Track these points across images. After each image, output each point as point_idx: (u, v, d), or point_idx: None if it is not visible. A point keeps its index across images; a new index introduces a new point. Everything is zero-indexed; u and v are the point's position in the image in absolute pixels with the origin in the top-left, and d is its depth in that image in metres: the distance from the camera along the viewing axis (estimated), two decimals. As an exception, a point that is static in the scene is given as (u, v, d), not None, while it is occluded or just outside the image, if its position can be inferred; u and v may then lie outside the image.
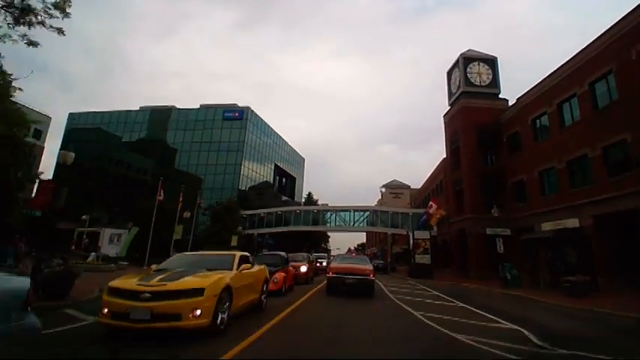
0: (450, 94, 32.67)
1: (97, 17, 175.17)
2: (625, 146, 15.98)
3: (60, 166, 9.10)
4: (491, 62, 30.49)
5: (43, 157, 34.07)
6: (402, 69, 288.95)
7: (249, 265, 7.42)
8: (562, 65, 20.41)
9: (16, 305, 3.08)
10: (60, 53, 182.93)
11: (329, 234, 70.27)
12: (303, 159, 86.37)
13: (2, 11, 8.03)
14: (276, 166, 69.46)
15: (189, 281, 5.49)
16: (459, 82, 30.35)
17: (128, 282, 5.49)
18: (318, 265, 24.80)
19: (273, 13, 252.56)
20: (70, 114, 65.48)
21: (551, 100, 21.13)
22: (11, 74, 10.44)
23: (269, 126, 68.09)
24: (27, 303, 3.20)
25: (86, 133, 60.39)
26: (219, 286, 5.65)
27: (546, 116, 21.78)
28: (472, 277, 25.00)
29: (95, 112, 65.70)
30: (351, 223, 47.32)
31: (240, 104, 61.70)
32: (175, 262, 7.22)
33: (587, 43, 18.39)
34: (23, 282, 3.40)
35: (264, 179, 63.90)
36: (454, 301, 12.38)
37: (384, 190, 73.75)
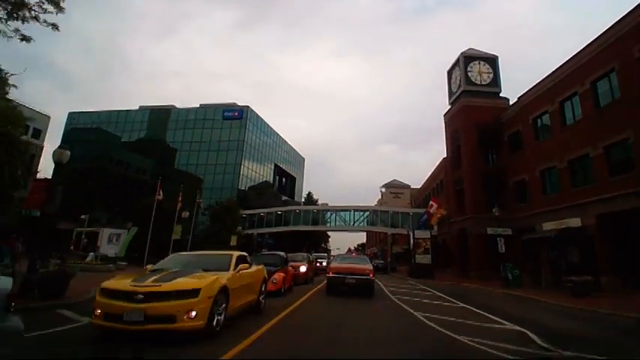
0: (451, 93, 32.54)
1: (97, 17, 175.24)
2: (627, 145, 15.85)
3: (58, 166, 8.99)
4: (492, 61, 30.36)
5: (42, 156, 33.84)
6: (402, 69, 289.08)
7: (246, 265, 7.28)
8: (563, 64, 20.26)
9: None
10: (60, 53, 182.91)
11: (329, 234, 70.24)
12: (303, 159, 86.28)
13: None
14: (275, 165, 69.31)
15: (184, 282, 5.36)
16: (460, 81, 30.22)
17: (121, 283, 5.36)
18: (318, 265, 24.69)
19: (273, 13, 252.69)
20: (70, 113, 65.36)
21: (552, 98, 20.99)
22: (7, 72, 10.28)
23: (269, 125, 67.95)
24: (9, 304, 3.05)
25: (86, 132, 60.31)
26: (215, 287, 5.50)
27: (547, 115, 21.63)
28: (473, 277, 24.87)
29: (95, 111, 65.58)
30: (351, 223, 47.23)
31: (239, 103, 61.61)
32: (171, 262, 7.08)
33: (589, 41, 18.26)
34: (4, 282, 3.25)
35: (264, 179, 63.77)
36: (455, 301, 12.26)
37: (384, 189, 73.67)
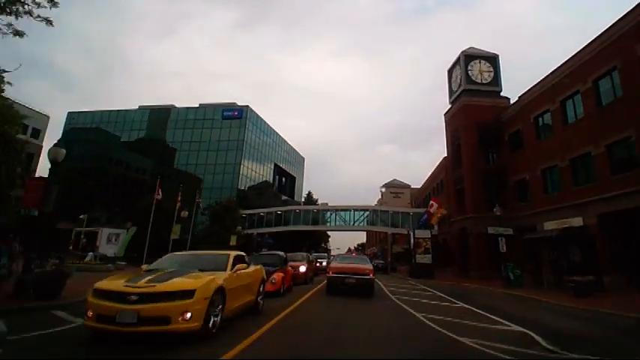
0: (451, 92, 32.40)
1: (97, 17, 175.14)
2: (629, 143, 15.72)
3: (54, 164, 8.88)
4: (492, 60, 30.22)
5: (41, 156, 33.70)
6: (402, 69, 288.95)
7: (244, 265, 7.14)
8: (565, 62, 20.12)
9: None
10: (60, 53, 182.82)
11: (329, 234, 70.12)
12: (303, 158, 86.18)
13: None
14: (275, 165, 69.19)
15: (179, 282, 5.23)
16: (460, 79, 30.08)
17: (115, 283, 5.21)
18: (317, 265, 24.57)
19: (273, 13, 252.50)
20: (69, 113, 65.28)
21: (553, 97, 20.85)
22: (2, 69, 10.15)
23: (268, 125, 67.84)
24: None
25: (85, 132, 60.20)
26: (212, 287, 5.37)
27: (549, 114, 21.50)
28: (473, 277, 24.74)
29: (94, 111, 65.48)
30: (351, 223, 47.13)
31: (239, 103, 61.48)
32: (167, 262, 6.93)
33: (591, 39, 18.12)
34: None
35: (264, 179, 63.66)
36: (456, 301, 12.15)
37: (384, 189, 73.57)
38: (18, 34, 8.11)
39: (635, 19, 15.45)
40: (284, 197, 66.50)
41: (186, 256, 7.65)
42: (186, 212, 27.58)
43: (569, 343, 6.02)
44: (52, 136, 76.81)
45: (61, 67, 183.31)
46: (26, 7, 8.02)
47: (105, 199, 48.49)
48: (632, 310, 9.79)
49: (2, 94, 12.36)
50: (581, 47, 18.80)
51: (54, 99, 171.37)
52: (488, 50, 30.98)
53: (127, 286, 5.02)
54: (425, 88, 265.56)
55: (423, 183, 51.75)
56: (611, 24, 16.88)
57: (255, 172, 61.03)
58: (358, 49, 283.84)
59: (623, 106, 15.85)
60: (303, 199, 71.79)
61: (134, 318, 4.65)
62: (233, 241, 31.37)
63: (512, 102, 26.93)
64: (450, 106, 32.68)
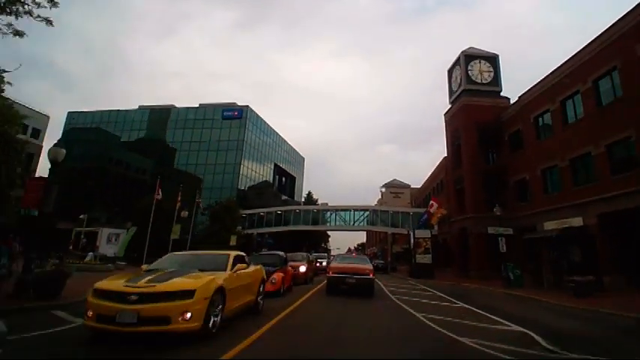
0: (451, 92, 32.39)
1: (97, 17, 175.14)
2: (629, 143, 15.72)
3: (54, 164, 8.88)
4: (492, 60, 30.21)
5: (41, 156, 33.70)
6: (402, 69, 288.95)
7: (244, 265, 7.14)
8: (565, 62, 20.12)
9: None
10: (60, 53, 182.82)
11: (329, 234, 70.12)
12: (303, 158, 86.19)
13: None
14: (275, 165, 69.19)
15: (179, 282, 5.22)
16: (460, 79, 30.08)
17: (114, 283, 5.21)
18: (318, 265, 24.56)
19: (273, 13, 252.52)
20: (69, 113, 65.28)
21: (553, 97, 20.85)
22: (2, 69, 10.15)
23: (268, 125, 67.83)
24: None
25: (85, 132, 60.19)
26: (212, 287, 5.36)
27: (549, 114, 21.50)
28: (473, 277, 24.74)
29: (94, 111, 65.47)
30: (351, 223, 47.12)
31: (239, 103, 61.47)
32: (167, 261, 6.93)
33: (591, 39, 18.12)
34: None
35: (264, 179, 63.66)
36: (456, 301, 12.15)
37: (384, 189, 73.57)
38: (18, 34, 8.13)
39: (635, 19, 15.45)
40: (284, 197, 66.50)
41: (186, 256, 7.65)
42: (186, 212, 27.59)
43: (569, 343, 6.03)
44: (52, 136, 76.86)
45: (61, 67, 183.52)
46: (26, 7, 8.03)
47: (105, 199, 48.48)
48: (632, 310, 9.78)
49: (2, 94, 12.38)
50: (581, 47, 18.80)
51: (54, 99, 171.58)
52: (488, 50, 30.99)
53: (127, 286, 5.02)
54: (425, 88, 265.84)
55: (423, 183, 51.75)
56: (611, 24, 16.88)
57: (255, 172, 61.03)
58: (358, 49, 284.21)
59: (623, 106, 15.85)
60: (303, 199, 71.80)
61: (134, 318, 4.65)
62: (233, 241, 31.36)
63: (512, 102, 26.93)
64: (450, 106, 32.67)
